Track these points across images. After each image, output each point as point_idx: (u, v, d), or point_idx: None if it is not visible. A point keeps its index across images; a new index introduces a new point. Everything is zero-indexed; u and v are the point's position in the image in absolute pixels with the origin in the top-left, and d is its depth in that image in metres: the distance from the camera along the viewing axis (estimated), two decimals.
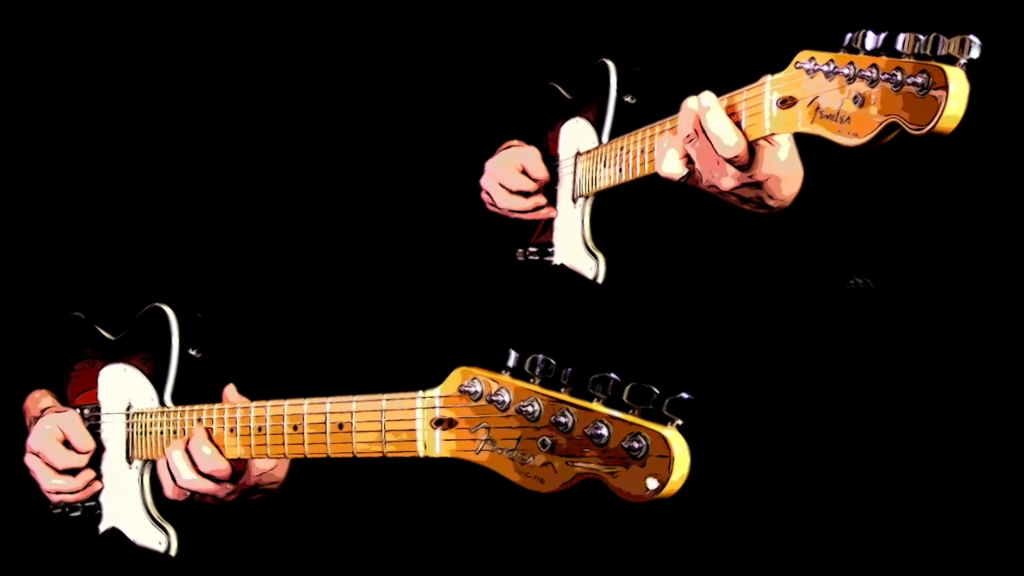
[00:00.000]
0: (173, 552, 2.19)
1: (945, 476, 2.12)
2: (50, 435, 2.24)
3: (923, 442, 2.14)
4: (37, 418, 2.28)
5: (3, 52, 2.69)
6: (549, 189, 2.47)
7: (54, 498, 2.26)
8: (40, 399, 2.36)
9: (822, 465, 2.16)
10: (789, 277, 2.21)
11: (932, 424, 2.14)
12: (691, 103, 1.88)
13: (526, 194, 2.47)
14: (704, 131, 1.85)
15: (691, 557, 2.12)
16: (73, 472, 2.25)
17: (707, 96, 1.87)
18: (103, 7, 2.68)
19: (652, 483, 1.48)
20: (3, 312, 2.61)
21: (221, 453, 2.02)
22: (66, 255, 2.63)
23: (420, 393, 1.73)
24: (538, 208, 2.47)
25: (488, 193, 2.51)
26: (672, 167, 1.94)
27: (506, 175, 2.47)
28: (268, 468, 2.08)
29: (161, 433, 2.15)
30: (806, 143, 1.86)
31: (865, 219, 2.16)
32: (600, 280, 2.36)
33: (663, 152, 1.96)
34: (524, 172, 2.46)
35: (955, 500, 2.12)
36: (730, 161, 1.84)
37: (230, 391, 2.09)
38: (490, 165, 2.51)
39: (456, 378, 1.69)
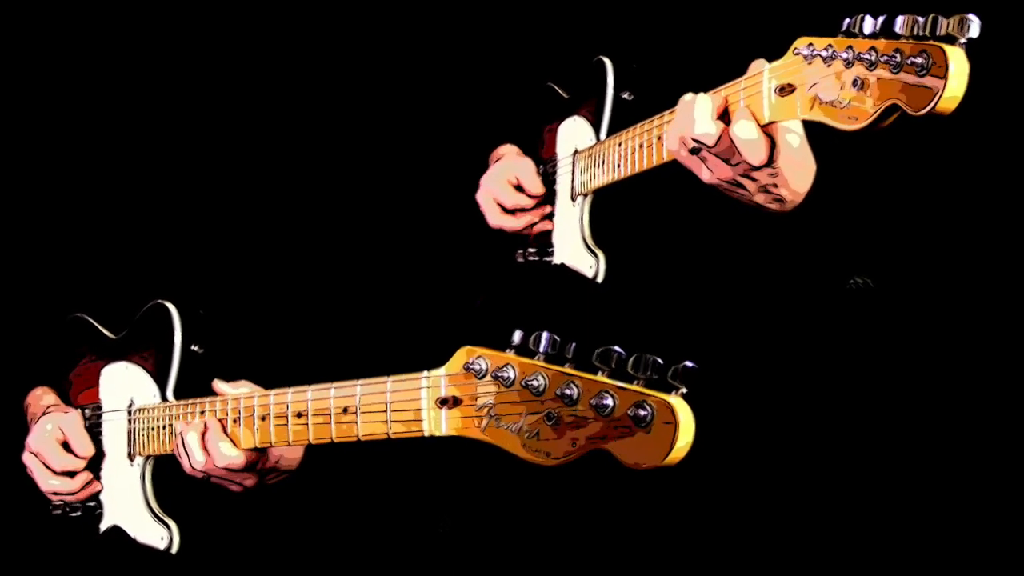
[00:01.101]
0: (175, 548, 2.18)
1: (941, 462, 2.12)
2: (50, 435, 2.24)
3: (921, 435, 2.13)
4: (38, 416, 2.27)
5: (3, 52, 2.71)
6: (548, 188, 2.48)
7: (51, 498, 2.25)
8: (42, 396, 2.36)
9: (822, 457, 2.16)
10: (790, 274, 2.21)
11: (931, 417, 2.13)
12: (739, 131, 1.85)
13: (523, 207, 2.48)
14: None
15: (698, 525, 2.11)
16: (70, 474, 2.24)
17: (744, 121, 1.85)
18: (103, 7, 2.69)
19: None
20: (5, 311, 2.61)
21: (236, 444, 2.02)
22: (67, 254, 2.63)
23: (425, 373, 1.73)
24: (531, 225, 2.48)
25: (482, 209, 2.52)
26: (707, 127, 1.85)
27: (502, 192, 2.47)
28: (285, 451, 2.08)
29: (164, 428, 2.15)
30: (808, 136, 1.87)
31: (866, 215, 2.17)
32: (600, 279, 2.36)
33: (691, 116, 1.87)
34: (519, 187, 2.47)
35: (951, 488, 2.12)
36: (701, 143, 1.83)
37: (219, 384, 2.10)
38: (485, 181, 2.51)
39: (461, 357, 1.70)
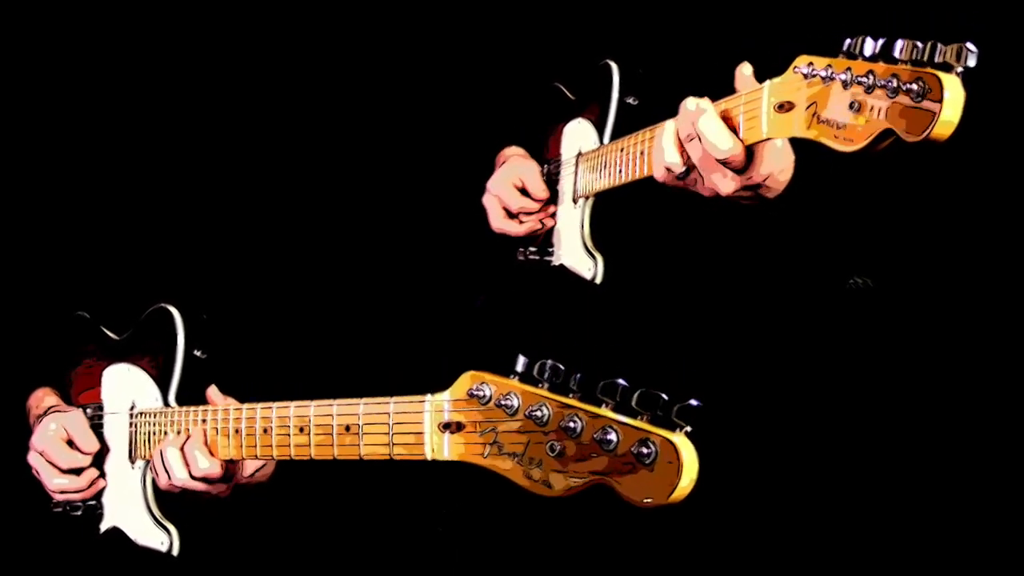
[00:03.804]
0: (175, 552, 2.19)
1: (956, 485, 2.13)
2: (55, 434, 2.24)
3: (932, 450, 2.14)
4: (41, 416, 2.28)
5: (3, 52, 2.68)
6: (551, 189, 2.48)
7: (58, 497, 2.26)
8: (44, 397, 2.36)
9: (821, 463, 2.17)
10: (788, 278, 2.22)
11: (943, 434, 2.14)
12: (688, 104, 1.89)
13: (526, 212, 2.48)
14: (698, 134, 1.85)
15: (699, 563, 2.12)
16: (77, 472, 2.25)
17: (702, 101, 1.87)
18: (103, 7, 2.67)
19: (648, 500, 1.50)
20: (8, 311, 2.61)
21: (214, 455, 2.05)
22: (71, 255, 2.63)
23: (429, 396, 1.73)
24: (533, 231, 2.48)
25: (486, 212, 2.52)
26: (673, 158, 1.92)
27: (507, 195, 2.47)
28: (260, 466, 2.11)
29: (165, 434, 2.15)
30: (807, 147, 1.87)
31: (864, 222, 2.17)
32: (598, 281, 2.37)
33: (660, 145, 1.94)
34: (524, 191, 2.47)
35: (960, 505, 2.13)
36: (725, 163, 1.84)
37: (213, 392, 2.11)
38: (490, 185, 2.51)
39: (465, 382, 1.70)
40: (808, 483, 2.14)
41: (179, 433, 2.10)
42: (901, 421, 2.15)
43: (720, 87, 1.90)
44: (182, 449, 2.06)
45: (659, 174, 1.97)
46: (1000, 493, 2.14)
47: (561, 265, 2.45)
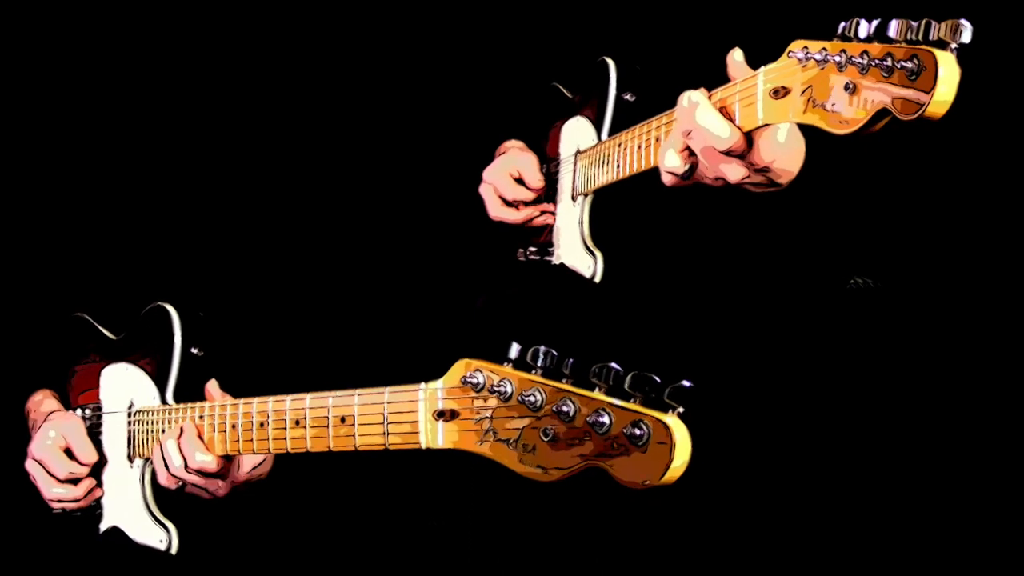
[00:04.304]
0: (174, 550, 2.19)
1: (953, 475, 2.12)
2: (53, 443, 2.25)
3: (927, 442, 2.13)
4: (39, 422, 2.28)
5: (3, 52, 2.70)
6: (550, 188, 2.48)
7: (55, 506, 2.26)
8: (43, 401, 2.37)
9: (821, 459, 2.16)
10: (788, 273, 2.21)
11: (941, 427, 2.13)
12: (683, 101, 1.89)
13: (522, 201, 2.48)
14: (697, 127, 1.85)
15: (693, 544, 2.12)
16: (74, 481, 2.25)
17: (695, 93, 1.87)
18: (103, 7, 2.69)
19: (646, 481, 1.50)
20: (5, 311, 2.62)
21: (210, 451, 2.05)
22: (68, 254, 2.64)
23: (422, 385, 1.73)
24: (531, 219, 2.48)
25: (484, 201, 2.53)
26: (673, 162, 1.94)
27: (502, 183, 2.48)
28: (257, 463, 2.11)
29: (163, 432, 2.16)
30: (806, 132, 1.87)
31: (865, 213, 2.16)
32: (598, 278, 2.37)
33: (663, 150, 1.96)
34: (520, 180, 2.47)
35: (958, 498, 2.12)
36: (728, 152, 1.84)
37: (212, 387, 2.11)
38: (487, 173, 2.52)
39: (458, 370, 1.70)
40: (802, 466, 2.13)
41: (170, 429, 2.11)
42: (898, 412, 2.14)
43: (717, 80, 1.90)
44: (179, 441, 2.07)
45: (665, 179, 1.98)
46: (998, 484, 2.13)
47: (561, 264, 2.45)
